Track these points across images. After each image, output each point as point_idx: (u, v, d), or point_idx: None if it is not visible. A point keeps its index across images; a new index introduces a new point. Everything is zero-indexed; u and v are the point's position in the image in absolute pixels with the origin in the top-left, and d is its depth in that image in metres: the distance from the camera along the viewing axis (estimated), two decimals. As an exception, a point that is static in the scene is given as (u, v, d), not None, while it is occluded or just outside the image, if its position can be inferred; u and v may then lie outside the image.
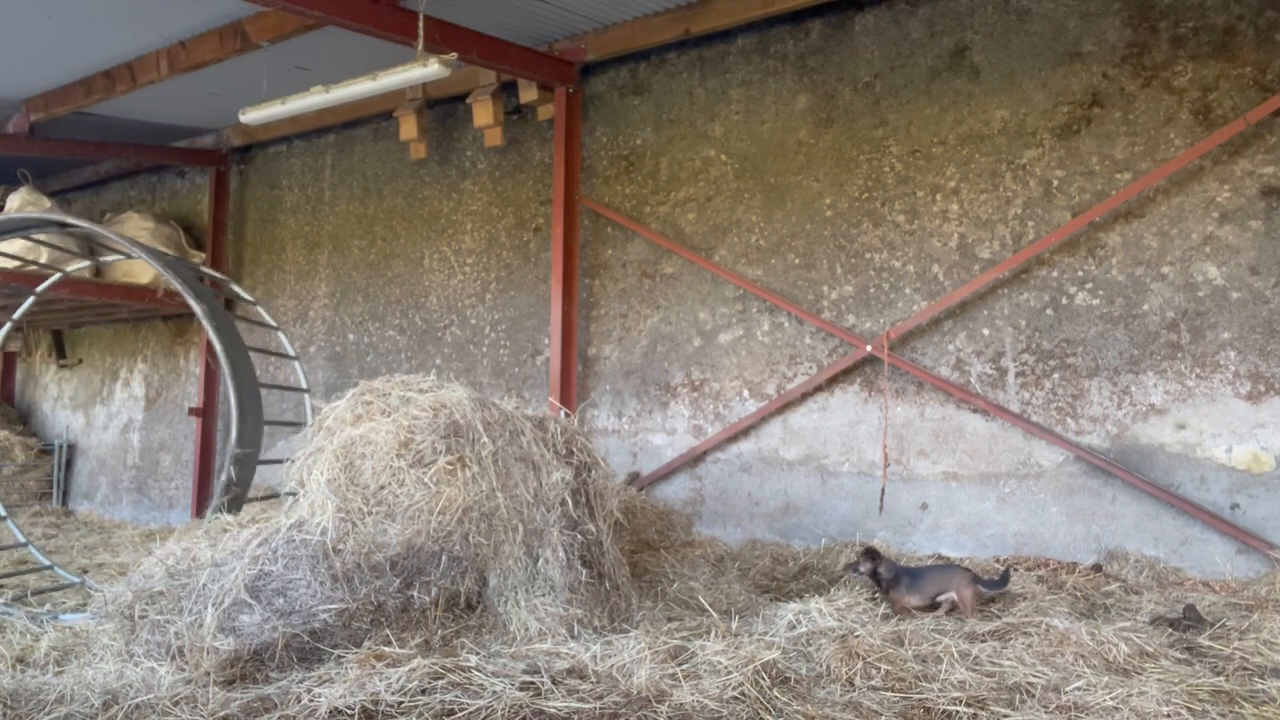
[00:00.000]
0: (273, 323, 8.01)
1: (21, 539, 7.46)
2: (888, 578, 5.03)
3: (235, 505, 6.02)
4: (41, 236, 9.14)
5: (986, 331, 6.72)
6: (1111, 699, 3.49)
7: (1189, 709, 3.43)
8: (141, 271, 10.47)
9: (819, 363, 7.36)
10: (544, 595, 4.65)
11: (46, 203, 10.53)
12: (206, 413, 11.27)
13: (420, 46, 6.97)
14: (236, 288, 8.18)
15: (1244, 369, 5.87)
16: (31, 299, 7.43)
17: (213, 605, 4.12)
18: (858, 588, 5.31)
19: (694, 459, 7.88)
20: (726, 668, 3.83)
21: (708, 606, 5.05)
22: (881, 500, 6.83)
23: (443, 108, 9.60)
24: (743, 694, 3.62)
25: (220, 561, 4.39)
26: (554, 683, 3.77)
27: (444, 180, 9.68)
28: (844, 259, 7.31)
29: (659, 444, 8.12)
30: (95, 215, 12.90)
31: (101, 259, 9.48)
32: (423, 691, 3.64)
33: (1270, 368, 5.80)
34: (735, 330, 7.78)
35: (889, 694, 3.68)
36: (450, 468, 4.67)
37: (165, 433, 11.96)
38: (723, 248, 7.86)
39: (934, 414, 6.86)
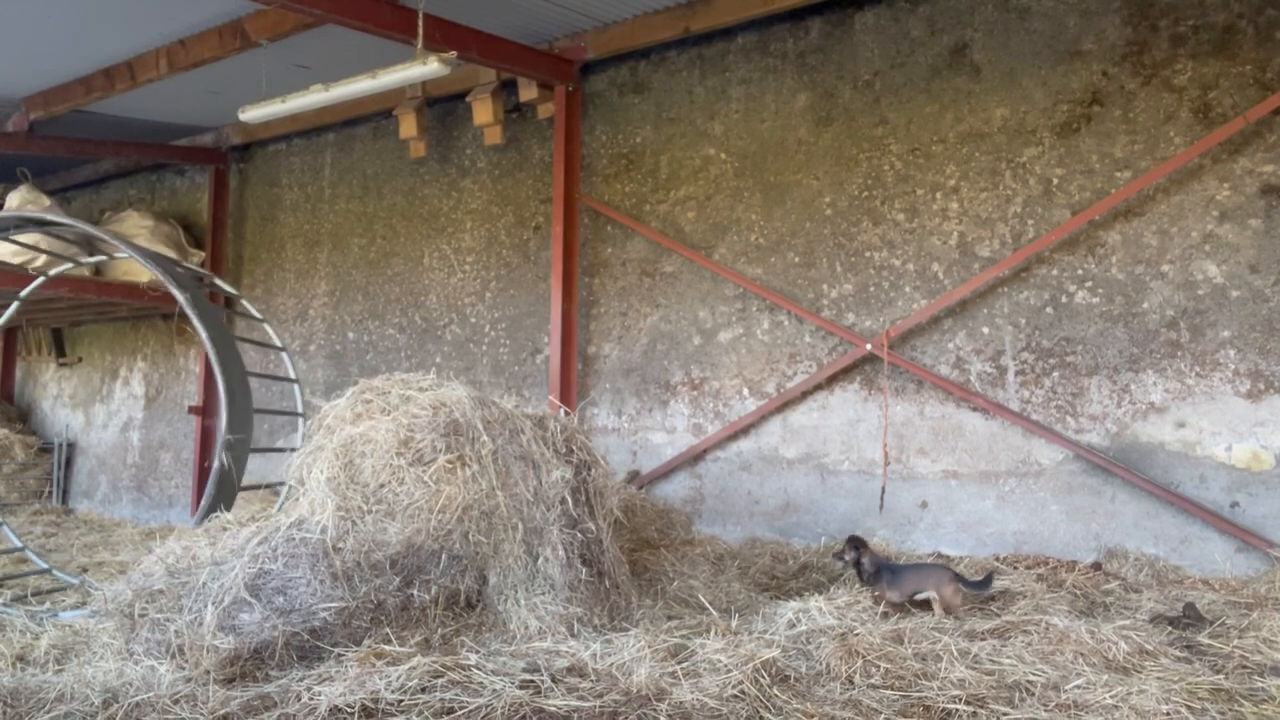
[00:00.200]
0: (257, 314, 8.01)
1: (18, 544, 7.45)
2: (870, 571, 5.11)
3: (229, 495, 6.03)
4: (30, 238, 9.12)
5: (986, 330, 6.72)
6: (1111, 697, 3.49)
7: (1188, 707, 3.43)
8: (141, 270, 10.47)
9: (819, 361, 7.36)
10: (544, 594, 4.65)
11: (46, 201, 10.53)
12: (206, 411, 11.26)
13: (420, 45, 6.97)
14: (220, 281, 8.17)
15: (1244, 367, 5.87)
16: (16, 304, 7.43)
17: (213, 604, 4.12)
18: (857, 586, 5.31)
19: (694, 457, 7.88)
20: (726, 666, 3.83)
21: (707, 605, 5.05)
22: (882, 499, 6.83)
23: (442, 106, 9.59)
24: (742, 692, 3.62)
25: (220, 560, 4.39)
26: (554, 681, 3.77)
27: (444, 179, 9.68)
28: (844, 257, 7.31)
29: (659, 442, 8.12)
30: (95, 214, 12.89)
31: (98, 258, 9.45)
32: (423, 690, 3.64)
33: (1270, 366, 5.80)
34: (735, 329, 7.78)
35: (889, 692, 3.68)
36: (450, 466, 4.67)
37: (165, 431, 11.96)
38: (722, 246, 7.86)
39: (934, 412, 6.87)
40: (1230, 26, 6.05)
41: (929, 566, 5.26)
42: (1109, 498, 6.22)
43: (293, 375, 7.96)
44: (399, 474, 4.65)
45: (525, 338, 8.95)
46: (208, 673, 3.89)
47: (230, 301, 11.43)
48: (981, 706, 3.50)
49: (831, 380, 7.28)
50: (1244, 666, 3.97)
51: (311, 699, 3.57)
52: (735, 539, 7.38)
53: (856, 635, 4.15)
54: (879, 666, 3.88)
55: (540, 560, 4.74)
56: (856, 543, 5.21)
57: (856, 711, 3.53)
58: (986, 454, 6.65)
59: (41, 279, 7.97)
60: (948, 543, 6.71)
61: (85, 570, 7.68)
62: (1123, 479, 6.15)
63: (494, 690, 3.63)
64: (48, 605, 6.05)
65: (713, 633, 4.35)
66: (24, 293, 7.77)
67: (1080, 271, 6.42)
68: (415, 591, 4.44)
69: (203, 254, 11.31)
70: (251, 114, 8.06)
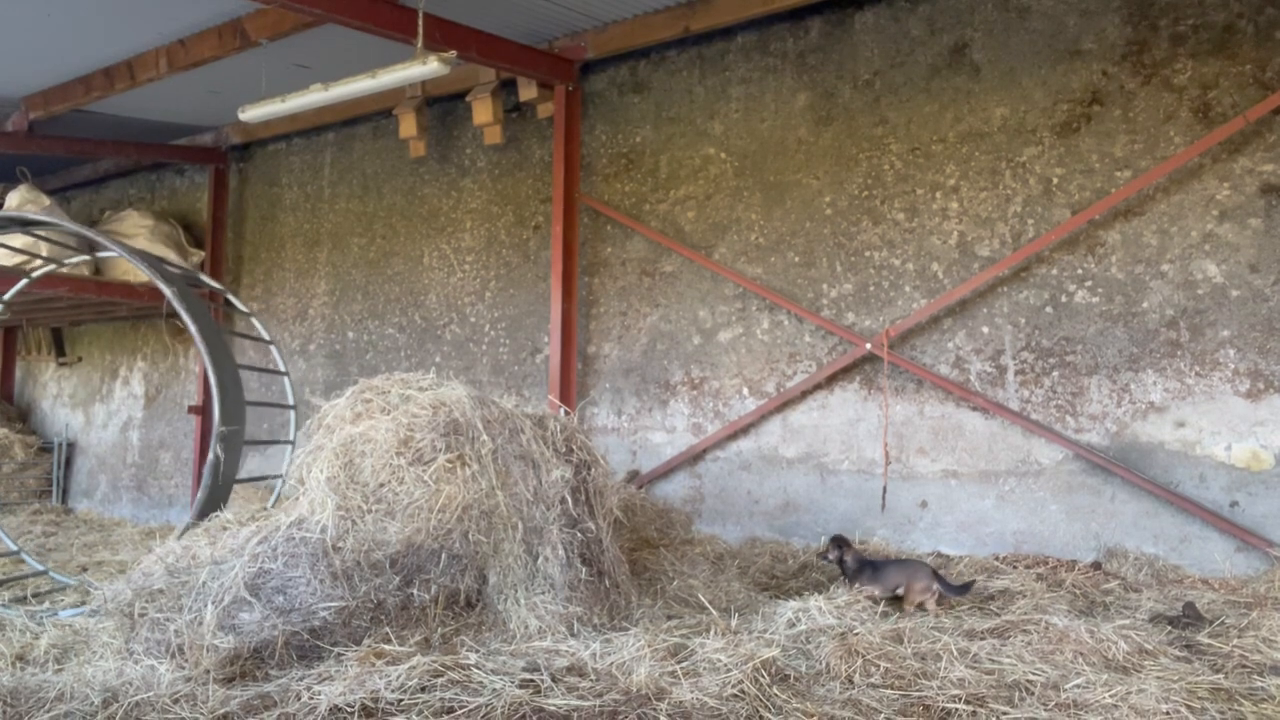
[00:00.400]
0: (244, 308, 8.01)
1: (13, 547, 7.45)
2: (852, 567, 5.27)
3: (225, 488, 6.08)
4: (26, 239, 9.12)
5: (986, 329, 6.72)
6: (1111, 696, 3.49)
7: (1188, 706, 3.43)
8: (140, 270, 10.46)
9: (819, 361, 7.36)
10: (544, 593, 4.65)
11: (46, 201, 10.52)
12: (206, 411, 11.26)
13: (420, 44, 6.97)
14: (205, 277, 8.15)
15: (1243, 367, 5.88)
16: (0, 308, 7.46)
17: (212, 603, 4.12)
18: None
19: (693, 457, 7.88)
20: (726, 665, 3.83)
21: (707, 604, 5.05)
22: (884, 498, 6.83)
23: (442, 105, 9.59)
24: (742, 691, 3.63)
25: (220, 559, 4.39)
26: (553, 680, 3.77)
27: (443, 178, 9.68)
28: (844, 257, 7.31)
29: (658, 442, 8.12)
30: (95, 213, 12.90)
31: (82, 258, 9.45)
32: (422, 689, 3.64)
33: (1269, 365, 5.80)
34: (735, 328, 7.78)
35: (888, 691, 3.68)
36: (450, 466, 4.67)
37: (165, 431, 11.96)
38: (722, 246, 7.86)
39: (933, 412, 6.87)
40: (1230, 26, 6.05)
41: (911, 563, 5.38)
42: (1109, 497, 6.22)
43: (282, 368, 7.96)
44: (399, 473, 4.65)
45: (525, 337, 8.95)
46: (208, 672, 3.89)
47: (231, 300, 11.45)
48: (981, 706, 3.50)
49: (831, 380, 7.28)
50: (1243, 666, 3.98)
51: (311, 698, 3.57)
52: (735, 538, 7.38)
53: (856, 635, 4.15)
54: (879, 666, 3.88)
55: (540, 560, 4.74)
56: (839, 542, 5.38)
57: (856, 711, 3.53)
58: (986, 453, 6.65)
59: (24, 281, 7.97)
60: (947, 542, 6.71)
61: (85, 570, 7.68)
62: (1122, 478, 6.15)
63: (494, 690, 3.63)
64: (47, 605, 6.05)
65: (712, 632, 4.35)
66: (6, 296, 7.77)
67: (1080, 271, 6.42)
68: (415, 591, 4.44)
69: (202, 253, 11.31)
70: (251, 113, 8.06)
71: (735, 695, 3.60)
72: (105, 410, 12.82)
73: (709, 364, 7.88)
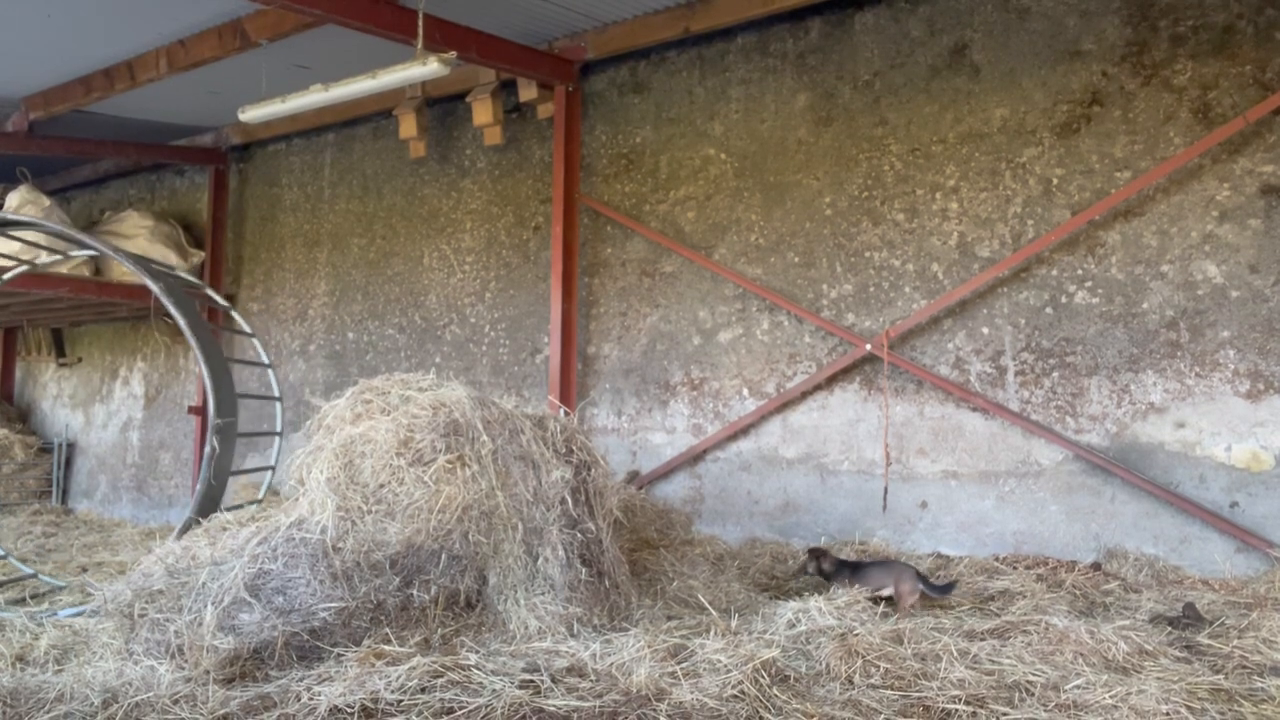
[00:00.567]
0: (247, 329, 8.02)
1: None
2: (829, 571, 5.36)
3: (222, 479, 6.14)
4: (16, 234, 9.12)
5: (986, 330, 6.72)
6: (1111, 697, 3.49)
7: (1188, 707, 3.43)
8: (141, 270, 10.46)
9: (818, 361, 7.36)
10: (543, 594, 4.65)
11: (46, 201, 10.52)
12: (206, 411, 11.25)
13: (420, 45, 6.97)
14: (212, 292, 8.15)
15: (1243, 367, 5.88)
16: None
17: (212, 604, 4.12)
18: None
19: (693, 457, 7.88)
20: (726, 666, 3.83)
21: (707, 605, 5.05)
22: (885, 499, 6.83)
23: (442, 106, 9.59)
24: (742, 692, 3.62)
25: (220, 560, 4.39)
26: (553, 681, 3.77)
27: (443, 179, 9.68)
28: (843, 257, 7.31)
29: (658, 442, 8.12)
30: (94, 213, 12.90)
31: (55, 258, 9.41)
32: (422, 690, 3.64)
33: (1269, 366, 5.80)
34: (735, 329, 7.78)
35: (888, 692, 3.68)
36: (450, 466, 4.67)
37: (165, 431, 11.95)
38: (722, 246, 7.86)
39: (933, 413, 6.87)
40: (1230, 27, 6.05)
41: (893, 564, 5.42)
42: (1109, 498, 6.22)
43: (265, 359, 7.99)
44: (399, 474, 4.65)
45: (525, 338, 8.95)
46: (207, 673, 3.89)
47: (230, 304, 11.44)
48: (981, 706, 3.50)
49: (831, 380, 7.28)
50: (1243, 666, 3.98)
51: (311, 699, 3.57)
52: (735, 539, 7.38)
53: (856, 635, 4.15)
54: (879, 666, 3.88)
55: (540, 560, 4.74)
56: (815, 554, 5.48)
57: (856, 711, 3.53)
58: (986, 454, 6.65)
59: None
60: (947, 543, 6.71)
61: (85, 570, 7.68)
62: (1122, 479, 6.15)
63: (494, 690, 3.63)
64: (46, 605, 6.05)
65: (712, 633, 4.35)
66: None
67: (1080, 272, 6.42)
68: (415, 591, 4.44)
69: (202, 254, 11.31)
70: (251, 114, 8.06)
71: (735, 696, 3.60)
72: (105, 411, 12.82)
73: (709, 364, 7.88)
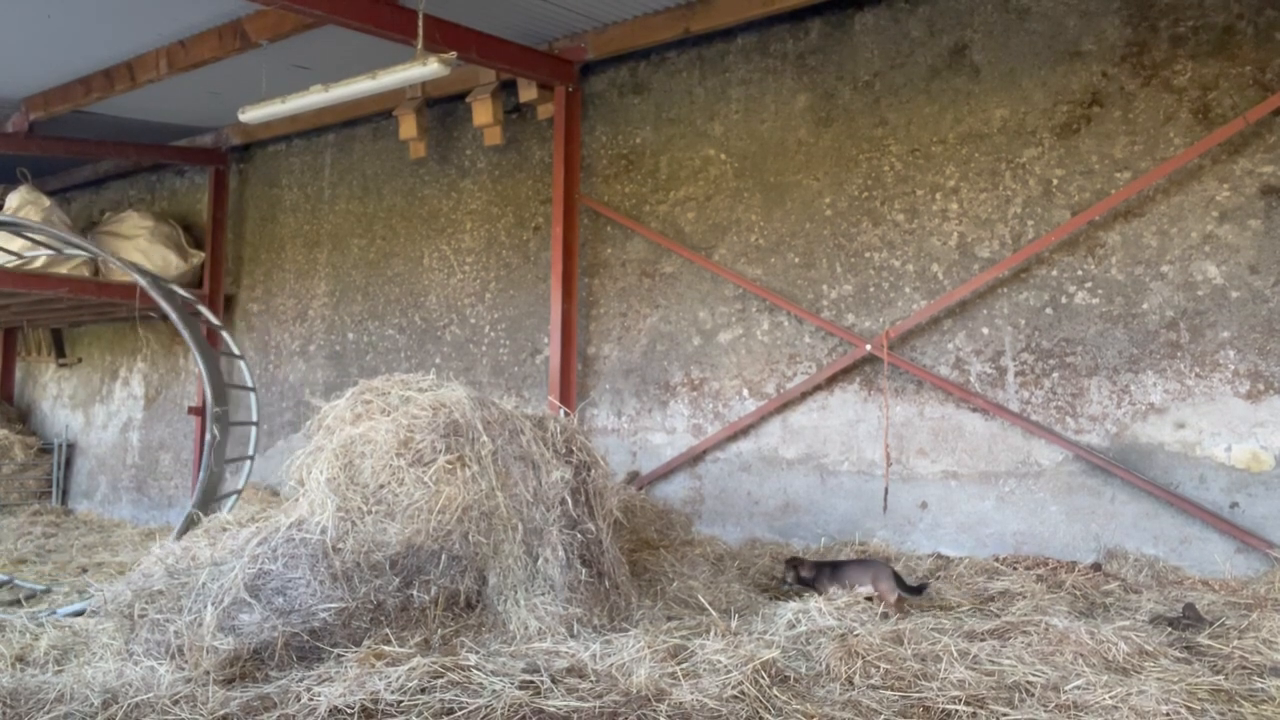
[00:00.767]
0: (215, 320, 8.02)
1: None
2: (809, 577, 5.46)
3: (219, 465, 6.36)
4: (39, 237, 9.16)
5: (986, 331, 6.72)
6: (1111, 698, 3.49)
7: (1188, 708, 3.43)
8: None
9: (818, 362, 7.36)
10: (543, 594, 4.65)
11: (46, 201, 10.53)
12: (206, 412, 11.25)
13: (420, 45, 6.97)
14: (204, 309, 8.12)
15: (1243, 368, 5.87)
16: None
17: (212, 604, 4.12)
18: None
19: (693, 458, 7.88)
20: (726, 666, 3.83)
21: (707, 605, 5.05)
22: (885, 499, 6.83)
23: (442, 107, 9.59)
24: (742, 693, 3.63)
25: (220, 560, 4.39)
26: (553, 681, 3.77)
27: (443, 179, 9.68)
28: (843, 258, 7.31)
29: (658, 443, 8.12)
30: (94, 214, 12.90)
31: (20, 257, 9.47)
32: (422, 690, 3.64)
33: (1269, 367, 5.80)
34: (735, 329, 7.78)
35: (888, 693, 3.68)
36: (450, 467, 4.67)
37: (164, 431, 11.95)
38: (722, 247, 7.86)
39: (933, 413, 6.87)
40: (1230, 27, 6.05)
41: (869, 562, 5.54)
42: (1109, 498, 6.22)
43: (235, 351, 8.05)
44: (399, 475, 4.65)
45: (525, 338, 8.95)
46: (207, 673, 3.89)
47: (229, 306, 11.45)
48: (981, 707, 3.50)
49: (831, 381, 7.28)
50: (1243, 667, 3.98)
51: (311, 699, 3.57)
52: (735, 540, 7.38)
53: (856, 636, 4.15)
54: (879, 667, 3.88)
55: (540, 561, 4.74)
56: (792, 563, 5.59)
57: (856, 712, 3.53)
58: (986, 454, 6.65)
59: None
60: (947, 543, 6.71)
61: (85, 570, 7.68)
62: (1122, 480, 6.15)
63: (494, 691, 3.63)
64: (45, 606, 6.05)
65: (712, 633, 4.35)
66: None
67: (1080, 272, 6.42)
68: (415, 592, 4.44)
69: (202, 254, 11.31)
70: (251, 114, 8.06)
71: (735, 696, 3.60)
72: (105, 411, 12.82)
73: (709, 365, 7.88)
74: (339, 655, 4.07)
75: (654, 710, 3.46)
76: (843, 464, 7.19)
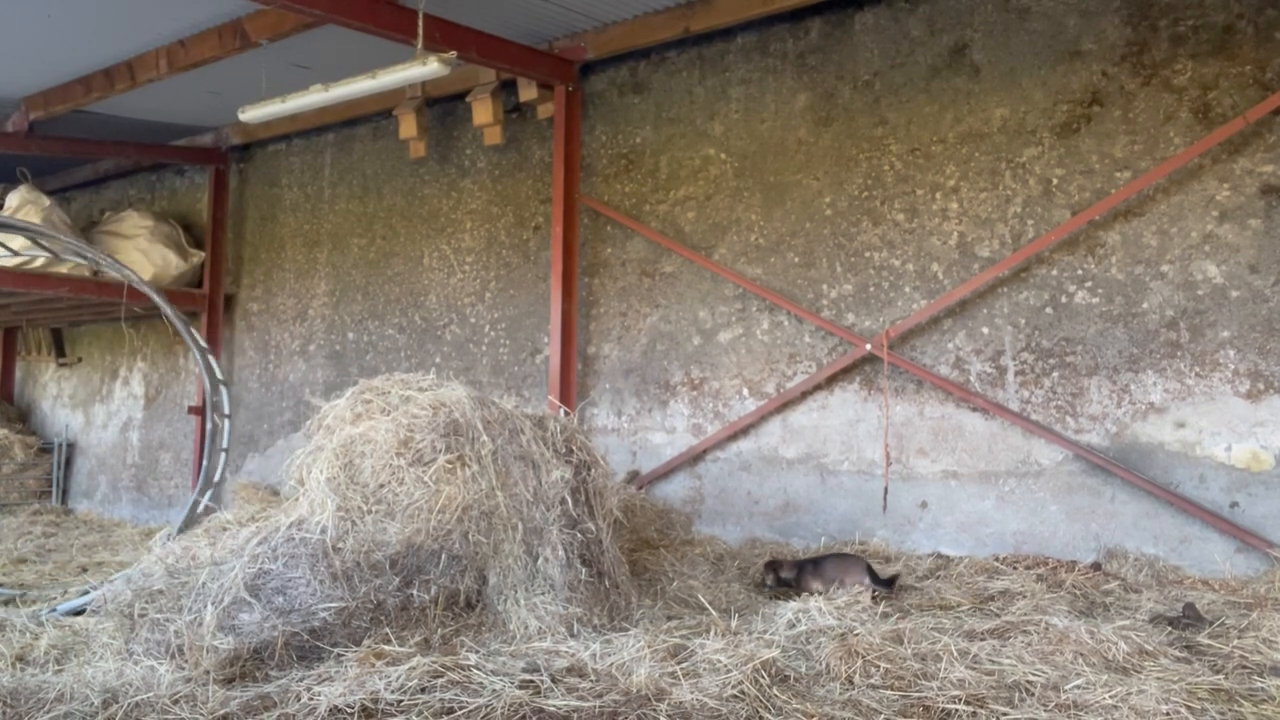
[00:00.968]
0: (202, 342, 8.00)
1: None
2: (789, 577, 5.57)
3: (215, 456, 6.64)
4: (21, 241, 9.16)
5: (986, 330, 6.72)
6: (1111, 697, 3.49)
7: (1188, 707, 3.43)
8: (141, 269, 10.47)
9: (818, 361, 7.36)
10: (543, 594, 4.65)
11: (46, 201, 10.52)
12: (206, 411, 11.26)
13: (420, 45, 6.97)
14: (172, 315, 8.06)
15: (1243, 367, 5.87)
16: None
17: (212, 604, 4.12)
18: (856, 586, 5.32)
19: (693, 458, 7.88)
20: (726, 666, 3.83)
21: (707, 605, 5.05)
22: (885, 499, 6.83)
23: (442, 106, 9.59)
24: (742, 692, 3.62)
25: (220, 560, 4.39)
26: (553, 681, 3.77)
27: (443, 179, 9.68)
28: (843, 257, 7.31)
29: (658, 443, 8.12)
30: (94, 213, 12.90)
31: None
32: (422, 690, 3.64)
33: (1269, 366, 5.80)
34: (735, 329, 7.78)
35: (888, 692, 3.68)
36: (450, 466, 4.67)
37: (165, 431, 11.96)
38: (722, 246, 7.86)
39: (933, 413, 6.87)
40: (1230, 27, 6.05)
41: (848, 557, 5.68)
42: (1109, 498, 6.22)
43: (201, 344, 8.05)
44: (399, 474, 4.65)
45: (525, 338, 8.95)
46: (207, 673, 3.89)
47: (229, 305, 11.45)
48: (981, 706, 3.50)
49: (831, 380, 7.28)
50: (1243, 667, 3.98)
51: (311, 699, 3.57)
52: (735, 539, 7.38)
53: (856, 635, 4.15)
54: (879, 667, 3.88)
55: (540, 560, 4.74)
56: (771, 565, 5.68)
57: (856, 712, 3.53)
58: (986, 454, 6.65)
59: None
60: (947, 543, 6.71)
61: (85, 570, 7.68)
62: (1122, 479, 6.15)
63: (494, 690, 3.63)
64: (45, 606, 6.05)
65: (712, 633, 4.35)
66: None
67: (1080, 272, 6.42)
68: (415, 591, 4.44)
69: (202, 254, 11.31)
70: (251, 114, 8.06)
71: (735, 696, 3.60)
72: (105, 411, 12.82)
73: (709, 364, 7.88)
74: (339, 655, 4.07)
75: (654, 710, 3.46)
76: (843, 463, 7.19)
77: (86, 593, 5.65)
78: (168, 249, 10.91)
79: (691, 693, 3.59)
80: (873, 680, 3.80)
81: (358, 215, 10.35)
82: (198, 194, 11.92)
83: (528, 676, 3.78)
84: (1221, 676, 3.81)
